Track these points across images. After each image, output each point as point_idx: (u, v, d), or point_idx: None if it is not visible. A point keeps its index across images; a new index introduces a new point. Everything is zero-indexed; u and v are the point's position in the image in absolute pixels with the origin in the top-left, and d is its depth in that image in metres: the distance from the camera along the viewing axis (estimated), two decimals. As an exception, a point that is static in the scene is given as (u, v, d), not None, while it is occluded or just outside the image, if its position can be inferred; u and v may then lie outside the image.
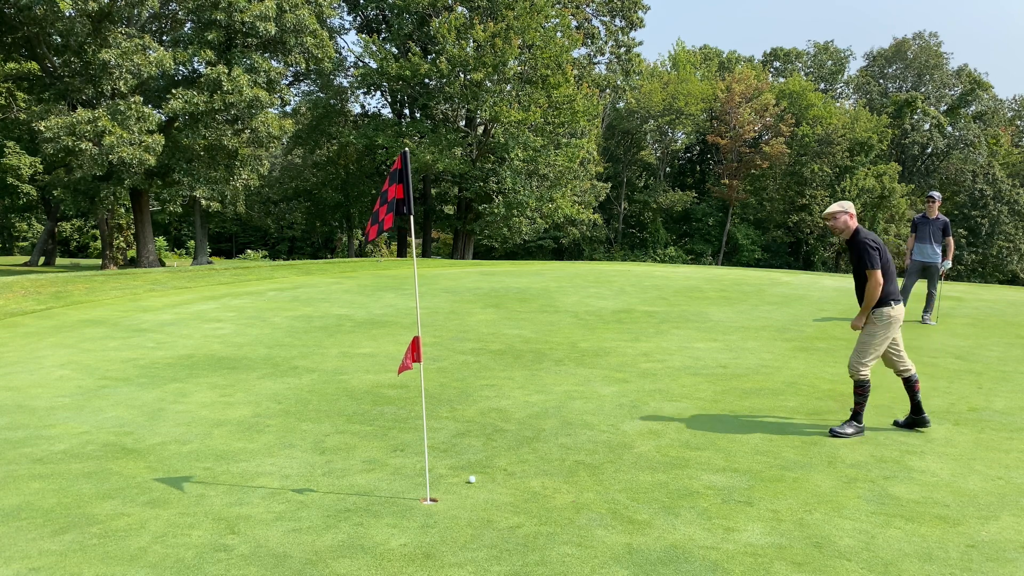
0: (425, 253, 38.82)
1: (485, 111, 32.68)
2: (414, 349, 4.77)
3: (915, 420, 6.08)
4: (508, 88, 33.75)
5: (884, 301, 5.83)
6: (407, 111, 38.35)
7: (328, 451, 5.52)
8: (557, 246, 50.17)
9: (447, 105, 36.07)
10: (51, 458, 5.35)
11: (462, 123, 37.44)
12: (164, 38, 31.00)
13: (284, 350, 9.23)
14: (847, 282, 16.94)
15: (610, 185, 47.69)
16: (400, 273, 18.75)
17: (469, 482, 4.89)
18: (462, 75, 32.58)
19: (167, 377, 7.84)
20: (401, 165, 4.82)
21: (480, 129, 36.98)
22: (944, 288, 16.90)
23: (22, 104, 32.64)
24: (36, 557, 3.87)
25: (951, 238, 10.89)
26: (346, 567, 3.76)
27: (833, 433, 5.85)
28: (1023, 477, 5.09)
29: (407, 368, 4.82)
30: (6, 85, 31.87)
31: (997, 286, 24.38)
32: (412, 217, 4.83)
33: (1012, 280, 50.87)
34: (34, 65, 30.44)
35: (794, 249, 53.26)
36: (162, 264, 37.07)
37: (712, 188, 51.82)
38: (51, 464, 5.23)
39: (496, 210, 34.44)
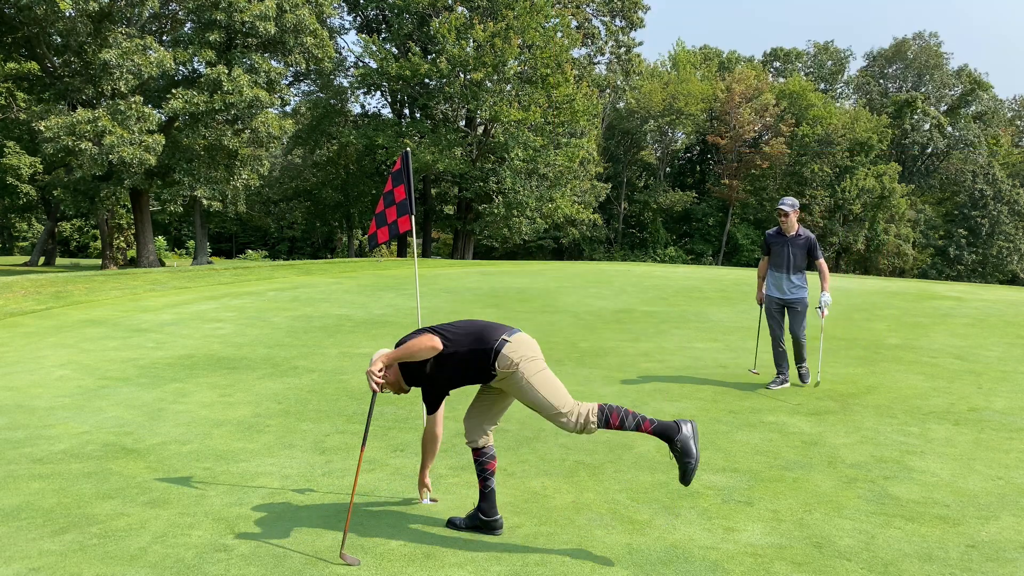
0: (425, 253, 38.83)
1: (485, 111, 32.69)
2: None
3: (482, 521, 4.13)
4: (508, 88, 33.76)
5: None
6: (407, 111, 38.36)
7: (328, 451, 5.52)
8: (557, 246, 50.15)
9: (447, 105, 36.09)
10: (51, 458, 5.35)
11: (462, 123, 37.45)
12: (164, 38, 31.02)
13: (284, 350, 9.23)
14: (846, 282, 16.95)
15: (610, 185, 47.68)
16: (400, 273, 18.75)
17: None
18: (462, 75, 32.60)
19: (167, 377, 7.84)
20: (401, 165, 4.82)
21: (480, 129, 37.00)
22: (944, 288, 16.83)
23: (22, 104, 32.64)
24: (36, 557, 3.87)
25: (823, 260, 7.51)
26: (346, 567, 3.76)
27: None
28: (1023, 477, 5.09)
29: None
30: (6, 85, 31.87)
31: (997, 286, 24.39)
32: (412, 217, 4.83)
33: (1012, 280, 50.89)
34: (34, 65, 30.44)
35: (794, 249, 53.16)
36: (162, 264, 37.06)
37: (712, 188, 51.80)
38: (51, 464, 5.23)
39: (496, 210, 34.45)
